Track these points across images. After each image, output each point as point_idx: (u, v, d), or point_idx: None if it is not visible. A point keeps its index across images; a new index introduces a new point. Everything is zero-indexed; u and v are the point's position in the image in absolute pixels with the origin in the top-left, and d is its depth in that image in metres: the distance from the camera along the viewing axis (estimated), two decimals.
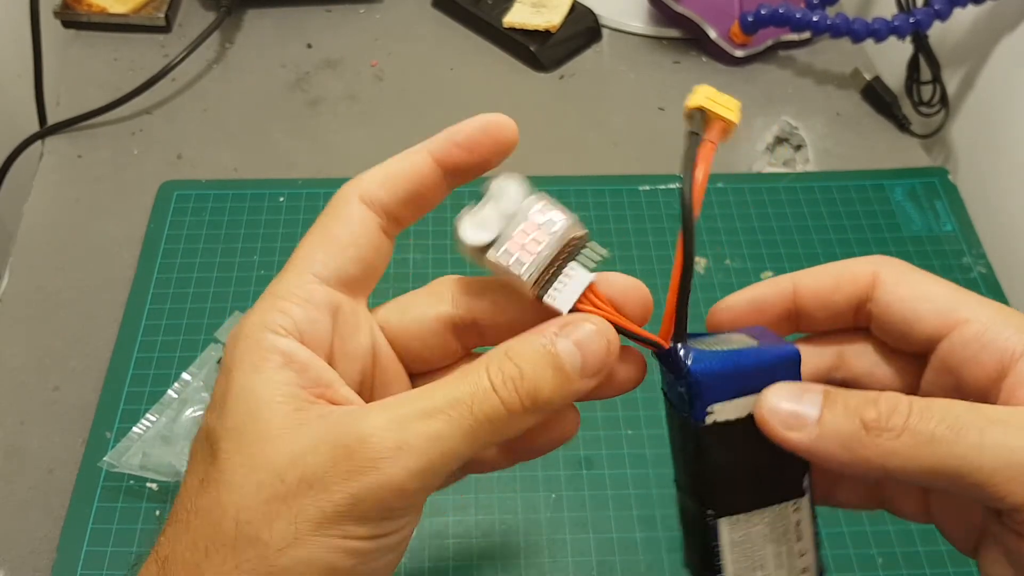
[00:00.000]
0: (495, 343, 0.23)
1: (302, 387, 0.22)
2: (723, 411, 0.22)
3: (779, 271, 0.55)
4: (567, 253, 0.23)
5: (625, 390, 0.24)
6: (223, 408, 0.22)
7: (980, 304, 0.24)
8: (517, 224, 0.23)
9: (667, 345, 0.23)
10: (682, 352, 0.23)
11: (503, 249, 0.22)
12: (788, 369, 0.23)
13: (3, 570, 0.43)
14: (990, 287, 0.55)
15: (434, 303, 0.25)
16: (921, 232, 0.58)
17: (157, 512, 0.44)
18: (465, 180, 0.26)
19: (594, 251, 0.23)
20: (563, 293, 0.23)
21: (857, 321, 0.26)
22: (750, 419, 0.22)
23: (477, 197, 0.25)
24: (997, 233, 0.59)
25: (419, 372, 0.26)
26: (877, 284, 0.25)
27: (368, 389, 0.25)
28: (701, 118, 0.23)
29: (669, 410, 0.24)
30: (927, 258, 0.56)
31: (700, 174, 0.22)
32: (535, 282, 0.22)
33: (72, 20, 0.69)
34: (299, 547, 0.20)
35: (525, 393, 0.21)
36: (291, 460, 0.20)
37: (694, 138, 0.23)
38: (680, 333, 0.23)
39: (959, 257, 0.56)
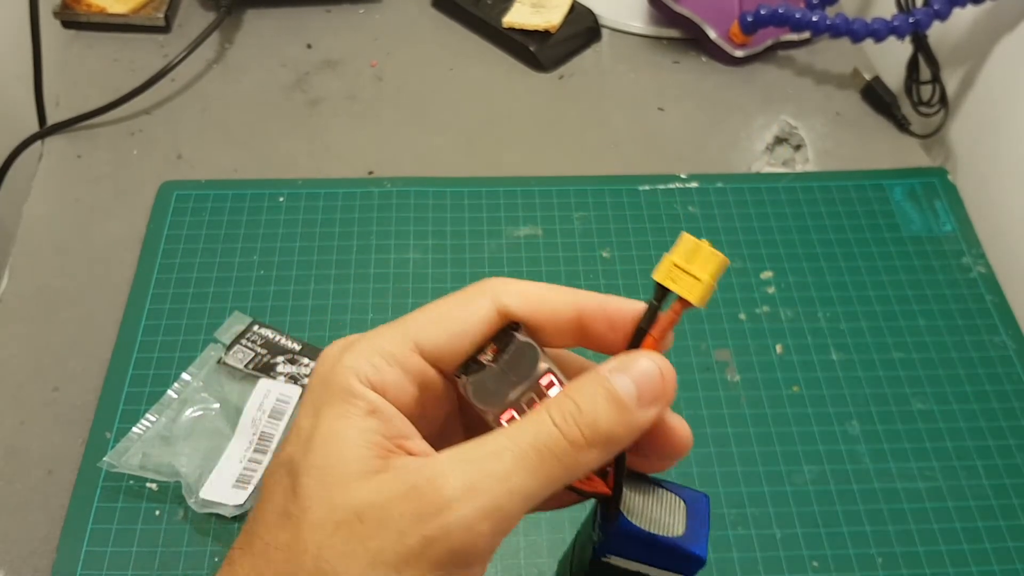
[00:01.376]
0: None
1: (384, 436, 0.23)
2: (620, 561, 0.26)
3: (778, 271, 0.55)
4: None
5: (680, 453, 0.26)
6: (309, 445, 0.23)
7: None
8: (525, 392, 0.24)
9: (609, 493, 0.25)
10: (620, 522, 0.25)
11: (506, 416, 0.24)
12: (689, 569, 0.25)
13: (3, 570, 0.43)
14: (989, 287, 0.55)
15: (473, 323, 0.25)
16: (920, 232, 0.58)
17: (157, 512, 0.44)
18: (584, 345, 0.26)
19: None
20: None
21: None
22: (636, 574, 0.26)
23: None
24: (996, 233, 0.59)
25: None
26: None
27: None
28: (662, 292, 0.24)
29: (591, 525, 0.27)
30: (926, 258, 0.56)
31: (643, 364, 0.24)
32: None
33: (72, 20, 0.69)
34: None
35: (585, 426, 0.22)
36: (369, 503, 0.22)
37: (649, 311, 0.24)
38: (617, 497, 0.25)
39: (958, 257, 0.56)
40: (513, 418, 0.24)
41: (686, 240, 0.23)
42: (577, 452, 0.22)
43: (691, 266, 0.23)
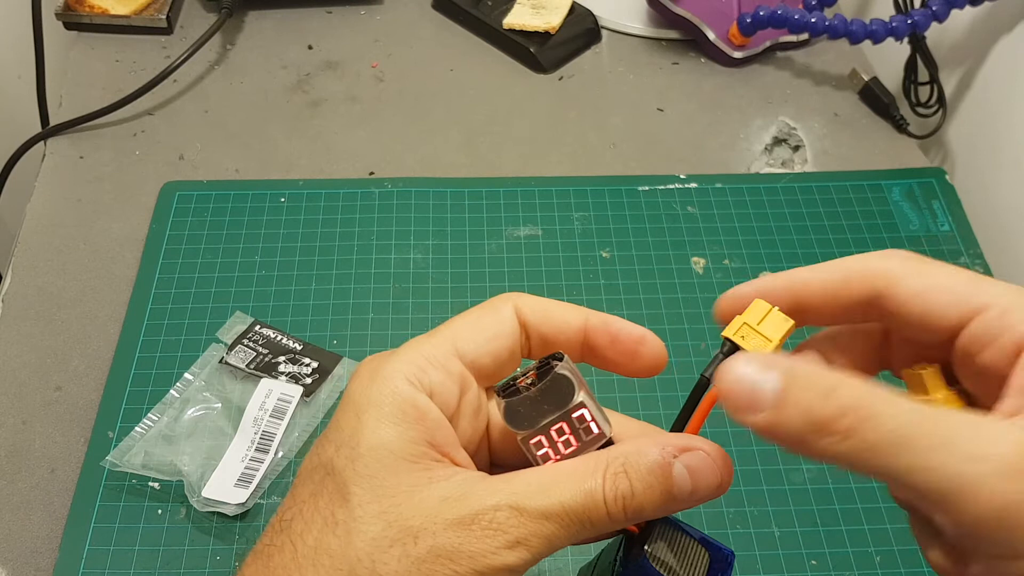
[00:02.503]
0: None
1: (430, 445, 0.24)
2: None
3: (777, 271, 0.55)
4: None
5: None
6: (355, 452, 0.23)
7: (1001, 289, 0.23)
8: (556, 421, 0.25)
9: (636, 532, 0.26)
10: (642, 561, 0.25)
11: (534, 441, 0.24)
12: None
13: (5, 569, 0.43)
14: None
15: (503, 328, 0.26)
16: (918, 232, 0.58)
17: (159, 511, 0.44)
18: (589, 361, 0.28)
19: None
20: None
21: (867, 317, 0.25)
22: None
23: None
24: (994, 233, 0.59)
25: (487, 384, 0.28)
26: (890, 280, 0.24)
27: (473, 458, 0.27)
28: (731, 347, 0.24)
29: (614, 553, 0.27)
30: None
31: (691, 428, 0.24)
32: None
33: (74, 22, 0.69)
34: None
35: (632, 511, 0.23)
36: (423, 524, 0.23)
37: (714, 360, 0.25)
38: (643, 538, 0.26)
39: (956, 257, 0.57)
40: (541, 444, 0.24)
41: (759, 305, 0.25)
42: (612, 524, 0.23)
43: (762, 327, 0.24)
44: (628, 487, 0.23)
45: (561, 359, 0.25)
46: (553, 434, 0.24)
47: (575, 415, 0.24)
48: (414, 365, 0.24)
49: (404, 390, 0.24)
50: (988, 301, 0.22)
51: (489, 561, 0.22)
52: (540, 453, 0.24)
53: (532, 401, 0.25)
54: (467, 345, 0.25)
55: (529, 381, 0.25)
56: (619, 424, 0.26)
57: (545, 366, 0.25)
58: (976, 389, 0.23)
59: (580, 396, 0.24)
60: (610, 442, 0.25)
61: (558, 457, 0.24)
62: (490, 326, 0.26)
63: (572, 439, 0.24)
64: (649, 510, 0.23)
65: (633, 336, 0.26)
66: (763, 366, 0.21)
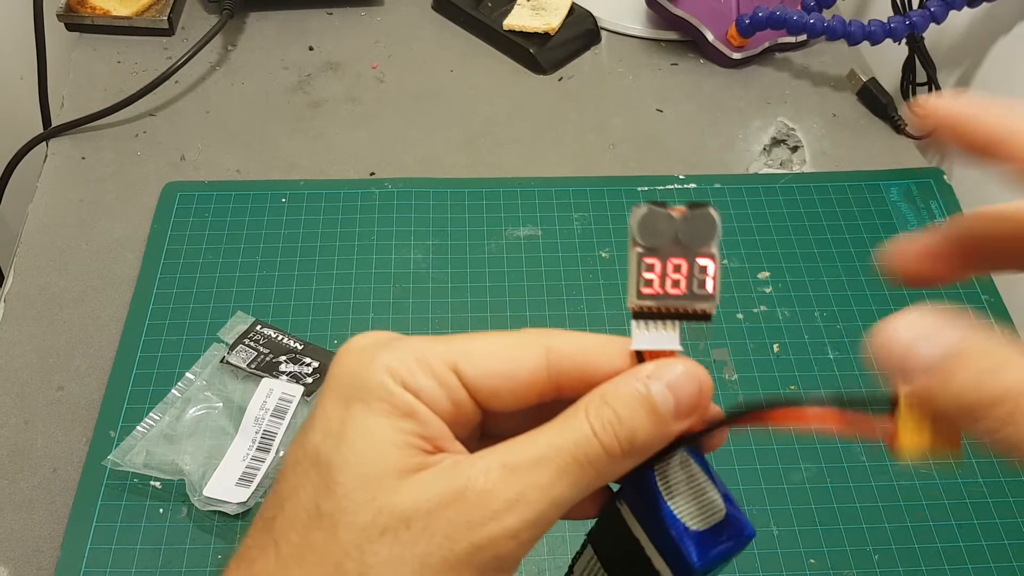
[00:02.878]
0: (572, 398, 0.23)
1: (421, 437, 0.22)
2: (627, 515, 0.24)
3: (776, 271, 0.56)
4: (683, 312, 0.23)
5: (584, 518, 0.25)
6: (341, 439, 0.22)
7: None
8: (679, 257, 0.22)
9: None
10: (646, 471, 0.24)
11: (649, 261, 0.22)
12: (679, 567, 0.23)
13: (7, 568, 0.43)
14: (985, 287, 0.55)
15: (521, 363, 0.24)
16: (917, 232, 0.58)
17: (160, 510, 0.44)
18: None
19: (703, 333, 0.23)
20: (648, 334, 0.23)
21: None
22: (635, 540, 0.24)
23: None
24: None
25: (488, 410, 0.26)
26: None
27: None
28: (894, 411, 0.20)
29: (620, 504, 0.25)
30: None
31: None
32: (641, 305, 0.23)
33: (76, 23, 0.70)
34: None
35: (624, 437, 0.22)
36: (415, 507, 0.21)
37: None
38: (657, 456, 0.24)
39: None
40: (652, 267, 0.22)
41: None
42: (612, 462, 0.22)
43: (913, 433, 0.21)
44: (612, 414, 0.22)
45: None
46: (669, 265, 0.22)
47: (700, 261, 0.22)
48: (406, 367, 0.23)
49: (393, 388, 0.22)
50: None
51: (488, 530, 0.21)
52: (647, 276, 0.22)
53: (669, 222, 0.22)
54: (473, 369, 0.23)
55: (676, 212, 0.22)
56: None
57: (698, 204, 0.22)
58: None
59: (715, 248, 0.22)
60: (708, 316, 0.22)
61: (661, 291, 0.22)
62: (509, 361, 0.23)
63: (684, 282, 0.22)
64: (642, 435, 0.22)
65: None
66: (935, 325, 0.19)
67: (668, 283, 0.22)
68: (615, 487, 0.25)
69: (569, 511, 0.23)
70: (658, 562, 0.23)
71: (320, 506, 0.22)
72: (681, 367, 0.22)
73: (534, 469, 0.21)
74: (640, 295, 0.22)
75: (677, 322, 0.23)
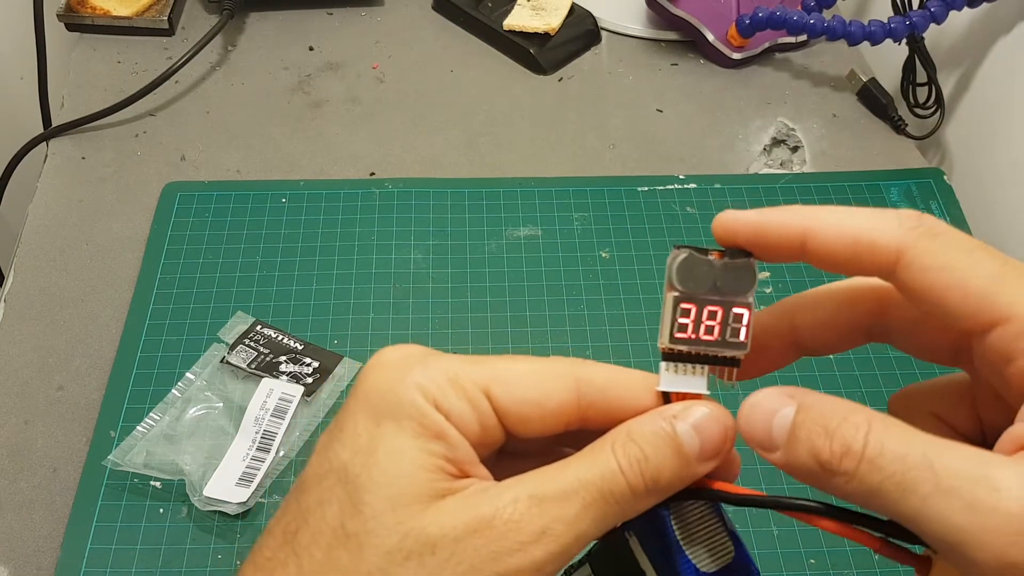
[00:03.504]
0: (597, 432, 0.23)
1: (448, 460, 0.22)
2: (635, 546, 0.24)
3: (776, 271, 0.56)
4: (713, 359, 0.23)
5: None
6: (371, 458, 0.22)
7: None
8: (715, 303, 0.23)
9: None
10: (662, 510, 0.24)
11: (685, 306, 0.23)
12: None
13: (7, 568, 0.43)
14: None
15: (558, 388, 0.24)
16: None
17: (160, 510, 0.44)
18: None
19: (726, 376, 0.24)
20: (676, 377, 0.23)
21: (871, 316, 0.24)
22: (641, 572, 0.24)
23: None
24: (992, 233, 0.60)
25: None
26: (900, 263, 0.21)
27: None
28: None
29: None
30: None
31: None
32: (672, 348, 0.23)
33: (76, 23, 0.70)
34: None
35: (649, 475, 0.22)
36: (442, 533, 0.21)
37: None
38: (681, 494, 0.24)
39: None
40: (688, 312, 0.23)
41: None
42: (635, 499, 0.22)
43: None
44: (639, 451, 0.22)
45: (752, 255, 0.23)
46: (705, 313, 0.23)
47: (736, 310, 0.23)
48: (438, 388, 0.23)
49: (425, 409, 0.22)
50: (1008, 313, 0.20)
51: (514, 561, 0.21)
52: (682, 321, 0.23)
53: (708, 269, 0.23)
54: (505, 395, 0.23)
55: (713, 256, 0.23)
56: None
57: (738, 252, 0.23)
58: (1006, 395, 0.21)
59: (752, 298, 0.23)
60: (737, 362, 0.23)
61: (694, 336, 0.23)
62: (539, 390, 0.23)
63: (717, 329, 0.23)
64: (667, 474, 0.22)
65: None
66: (779, 398, 0.21)
67: (702, 329, 0.23)
68: None
69: None
70: None
71: (346, 525, 0.22)
72: (707, 409, 0.23)
73: (561, 502, 0.22)
74: (673, 339, 0.23)
75: (706, 366, 0.23)
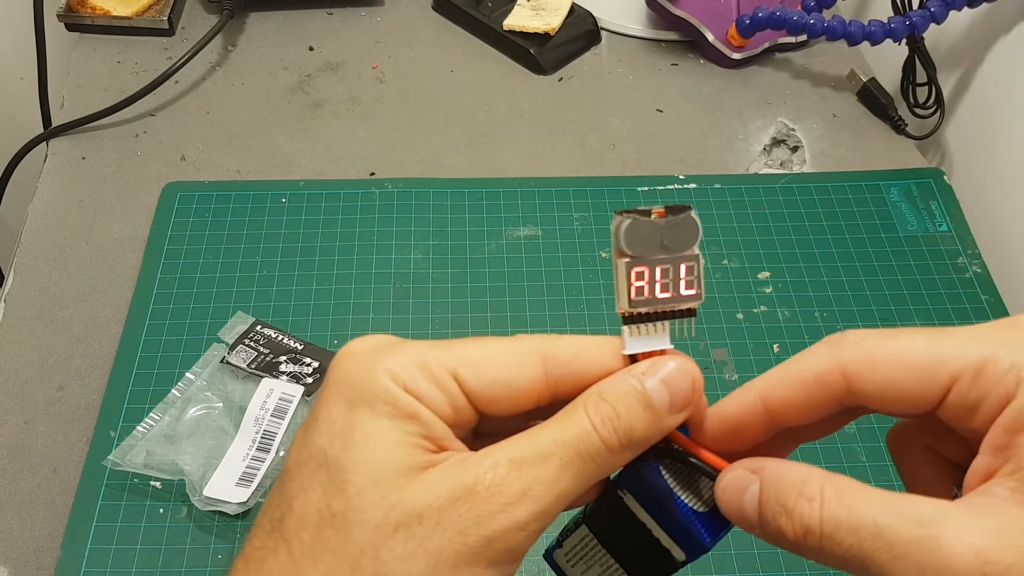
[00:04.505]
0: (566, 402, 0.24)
1: (425, 438, 0.23)
2: (631, 502, 0.25)
3: (776, 271, 0.56)
4: (671, 314, 0.24)
5: (576, 507, 0.26)
6: (348, 440, 0.22)
7: (961, 345, 0.21)
8: (665, 261, 0.24)
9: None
10: (651, 465, 0.25)
11: (638, 269, 0.24)
12: (691, 547, 0.25)
13: (8, 568, 0.43)
14: (985, 287, 0.55)
15: (519, 370, 0.24)
16: (917, 232, 0.58)
17: (160, 510, 0.44)
18: None
19: (688, 328, 0.24)
20: (639, 338, 0.24)
21: (852, 409, 0.25)
22: (641, 524, 0.25)
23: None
24: (992, 233, 0.60)
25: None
26: (850, 379, 0.23)
27: None
28: None
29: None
30: (922, 258, 0.57)
31: None
32: (632, 311, 0.24)
33: (76, 23, 0.70)
34: None
35: (623, 432, 0.23)
36: (426, 503, 0.22)
37: None
38: (666, 452, 0.25)
39: (954, 257, 0.57)
40: (641, 276, 0.23)
41: None
42: (612, 455, 0.23)
43: None
44: (610, 409, 0.23)
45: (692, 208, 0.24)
46: (657, 272, 0.23)
47: (685, 264, 0.23)
48: (406, 369, 0.23)
49: (396, 392, 0.23)
50: (954, 369, 0.21)
51: (498, 522, 0.22)
52: (637, 284, 0.23)
53: (654, 230, 0.23)
54: (473, 376, 0.24)
55: (655, 216, 0.23)
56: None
57: (678, 208, 0.23)
58: (978, 441, 0.22)
59: (698, 250, 0.24)
60: (694, 312, 0.24)
61: (650, 296, 0.23)
62: (506, 369, 0.24)
63: (671, 284, 0.24)
64: (640, 429, 0.23)
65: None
66: (744, 476, 0.23)
67: (657, 288, 0.24)
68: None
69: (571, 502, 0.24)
70: (667, 542, 0.25)
71: (331, 505, 0.22)
72: (674, 364, 0.23)
73: (540, 464, 0.22)
74: (631, 302, 0.24)
75: (666, 322, 0.24)
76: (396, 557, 0.21)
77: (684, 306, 0.24)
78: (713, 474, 0.24)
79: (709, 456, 0.24)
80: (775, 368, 0.24)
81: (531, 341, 0.24)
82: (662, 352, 0.24)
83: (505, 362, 0.24)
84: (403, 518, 0.21)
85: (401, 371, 0.23)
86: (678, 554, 0.25)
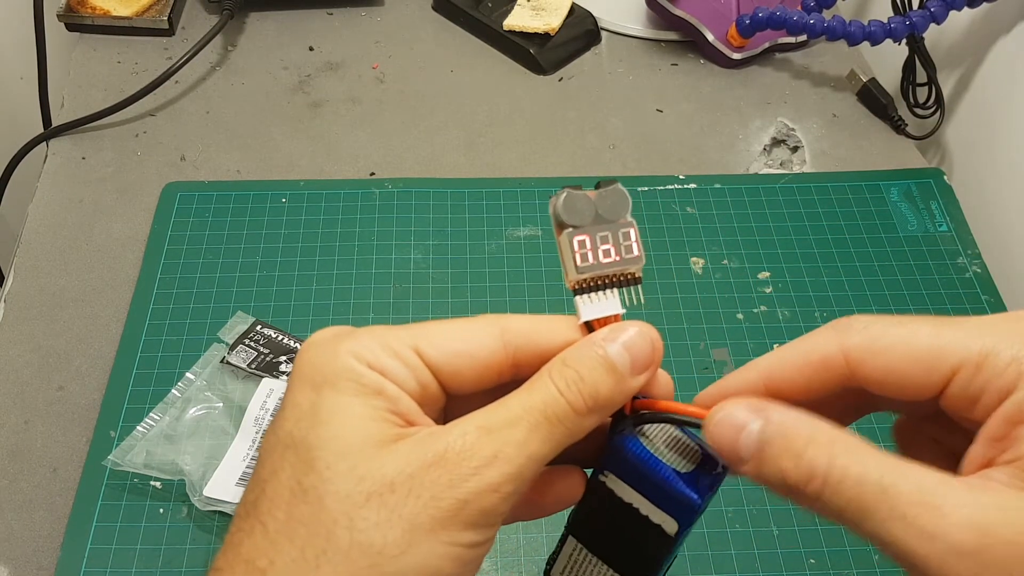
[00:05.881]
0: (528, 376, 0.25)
1: (392, 412, 0.23)
2: (615, 484, 0.26)
3: (776, 271, 0.56)
4: (618, 280, 0.25)
5: (563, 507, 0.26)
6: (315, 419, 0.23)
7: (964, 336, 0.22)
8: (604, 230, 0.25)
9: (628, 411, 0.26)
10: (627, 436, 0.25)
11: (579, 239, 0.25)
12: (681, 511, 0.25)
13: (8, 568, 0.43)
14: (985, 287, 0.55)
15: (480, 343, 0.25)
16: (917, 232, 0.58)
17: (160, 510, 0.44)
18: None
19: (636, 294, 0.26)
20: (592, 305, 0.25)
21: (853, 390, 0.25)
22: (627, 506, 0.26)
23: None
24: (992, 233, 0.60)
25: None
26: (852, 364, 0.23)
27: None
28: None
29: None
30: (923, 258, 0.57)
31: None
32: (580, 280, 0.25)
33: (76, 23, 0.70)
34: (411, 553, 0.22)
35: (588, 394, 0.23)
36: (397, 472, 0.22)
37: None
38: (640, 419, 0.26)
39: (954, 257, 0.57)
40: (584, 244, 0.25)
41: None
42: (579, 417, 0.23)
43: None
44: (574, 374, 0.23)
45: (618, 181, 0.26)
46: (598, 239, 0.25)
47: (623, 230, 0.25)
48: (368, 349, 0.23)
49: (360, 370, 0.23)
50: (956, 360, 0.22)
51: (471, 485, 0.22)
52: (580, 252, 0.25)
53: (587, 202, 0.25)
54: (433, 349, 0.24)
55: (590, 194, 0.25)
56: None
57: (606, 181, 0.25)
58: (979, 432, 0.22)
59: (630, 216, 0.25)
60: (638, 280, 0.25)
61: (595, 262, 0.25)
62: (465, 340, 0.25)
63: (613, 250, 0.25)
64: (604, 391, 0.23)
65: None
66: (746, 412, 0.22)
67: (601, 255, 0.25)
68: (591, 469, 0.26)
69: (557, 492, 0.25)
70: (658, 516, 0.25)
71: (302, 482, 0.22)
72: (634, 329, 0.24)
73: (508, 428, 0.23)
74: (578, 268, 0.25)
75: (615, 288, 0.25)
76: (371, 525, 0.21)
77: (629, 269, 0.25)
78: (695, 423, 0.24)
79: (684, 408, 0.25)
80: (779, 348, 0.25)
81: (488, 317, 0.26)
82: (616, 317, 0.25)
83: (463, 335, 0.25)
84: (375, 487, 0.22)
85: (363, 350, 0.23)
86: (670, 526, 0.25)
